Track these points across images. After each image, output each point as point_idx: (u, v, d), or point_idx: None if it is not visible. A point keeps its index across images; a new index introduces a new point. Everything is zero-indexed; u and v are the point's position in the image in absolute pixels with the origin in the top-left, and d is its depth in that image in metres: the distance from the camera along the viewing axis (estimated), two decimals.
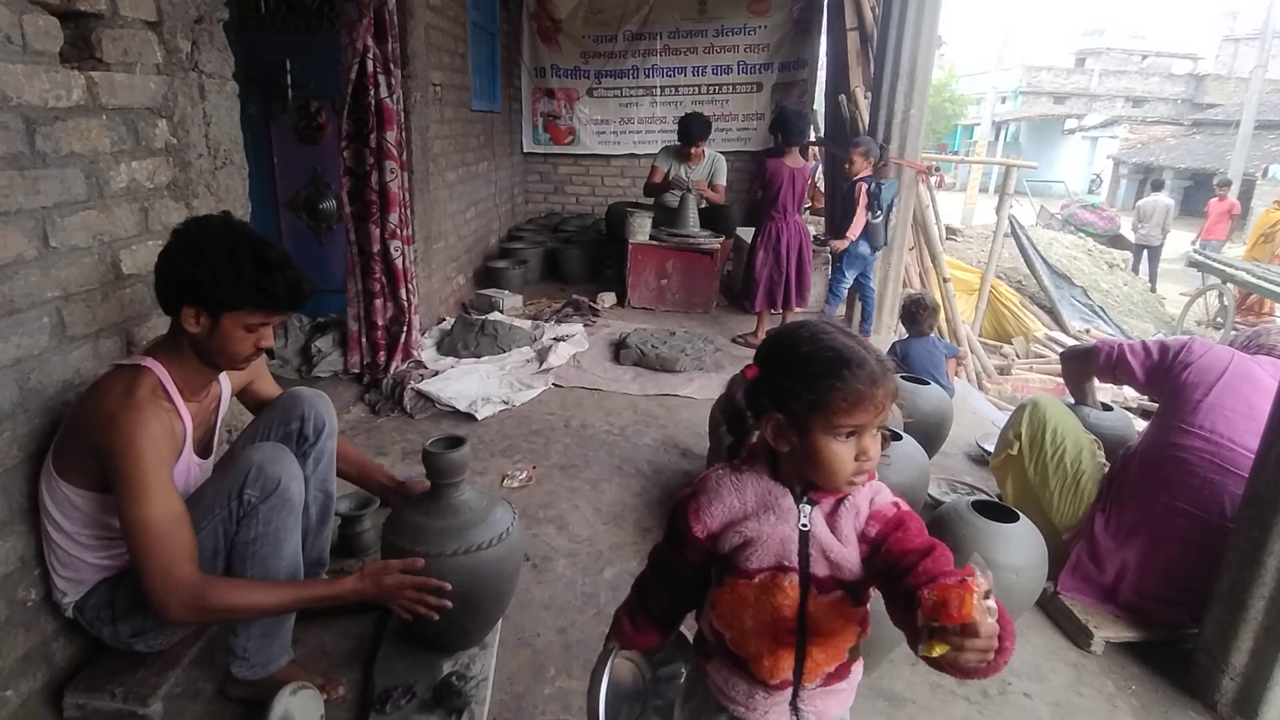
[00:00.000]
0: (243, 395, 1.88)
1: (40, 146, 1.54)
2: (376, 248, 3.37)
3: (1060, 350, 6.54)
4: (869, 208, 4.33)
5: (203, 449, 1.67)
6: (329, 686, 1.66)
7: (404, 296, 3.53)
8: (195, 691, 1.67)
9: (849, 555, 1.05)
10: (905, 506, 1.08)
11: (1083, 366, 2.44)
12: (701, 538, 1.10)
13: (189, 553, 1.42)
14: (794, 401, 1.00)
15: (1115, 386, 4.38)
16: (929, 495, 2.50)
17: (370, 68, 3.13)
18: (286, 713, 1.48)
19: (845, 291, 4.65)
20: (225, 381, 1.73)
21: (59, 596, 1.58)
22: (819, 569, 1.05)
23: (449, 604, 1.58)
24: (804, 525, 1.06)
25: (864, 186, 4.32)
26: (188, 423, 1.55)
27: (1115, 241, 12.84)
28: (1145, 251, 11.52)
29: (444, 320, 4.42)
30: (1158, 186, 11.92)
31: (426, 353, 3.90)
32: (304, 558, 1.68)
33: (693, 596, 1.19)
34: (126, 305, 1.82)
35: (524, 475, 2.75)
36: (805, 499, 1.07)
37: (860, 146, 4.37)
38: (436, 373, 3.62)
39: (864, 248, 4.46)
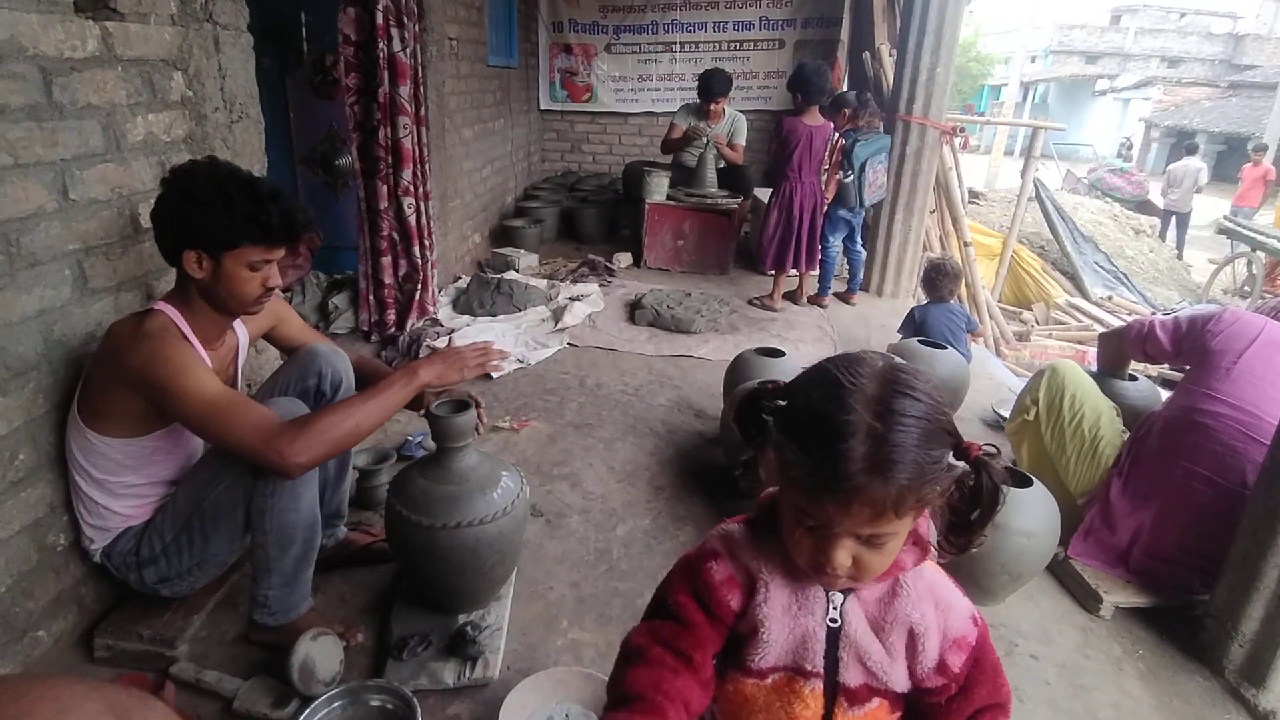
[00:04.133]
0: (273, 339, 1.90)
1: (57, 98, 1.54)
2: (384, 204, 3.36)
3: (1094, 327, 6.46)
4: (839, 166, 4.24)
5: None
6: (348, 634, 1.70)
7: (418, 254, 3.52)
8: (219, 635, 1.73)
9: (894, 670, 0.85)
10: (981, 621, 0.88)
11: (1115, 344, 2.45)
12: (735, 609, 0.87)
13: (263, 409, 1.44)
14: (780, 455, 0.79)
15: (1148, 364, 4.31)
16: None
17: (380, 20, 3.08)
18: (307, 657, 1.53)
19: (833, 258, 4.57)
20: (242, 331, 1.75)
21: (87, 543, 1.62)
22: (851, 677, 0.85)
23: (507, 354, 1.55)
24: (833, 620, 0.85)
25: (838, 143, 4.23)
26: (207, 363, 1.56)
27: (1143, 207, 12.54)
28: (1174, 217, 11.24)
29: (460, 278, 4.42)
30: (1191, 150, 11.58)
31: (442, 311, 3.91)
32: (322, 510, 1.71)
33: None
34: (145, 259, 1.83)
35: (511, 422, 2.84)
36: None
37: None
38: (453, 331, 3.64)
39: (843, 210, 4.39)
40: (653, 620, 0.92)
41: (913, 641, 0.84)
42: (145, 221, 1.81)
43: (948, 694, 0.85)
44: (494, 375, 1.39)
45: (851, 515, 0.75)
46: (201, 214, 1.42)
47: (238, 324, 1.72)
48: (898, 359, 0.85)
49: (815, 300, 4.59)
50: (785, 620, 0.85)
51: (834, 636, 0.84)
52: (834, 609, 0.85)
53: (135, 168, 1.78)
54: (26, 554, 1.54)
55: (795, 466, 0.77)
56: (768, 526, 0.88)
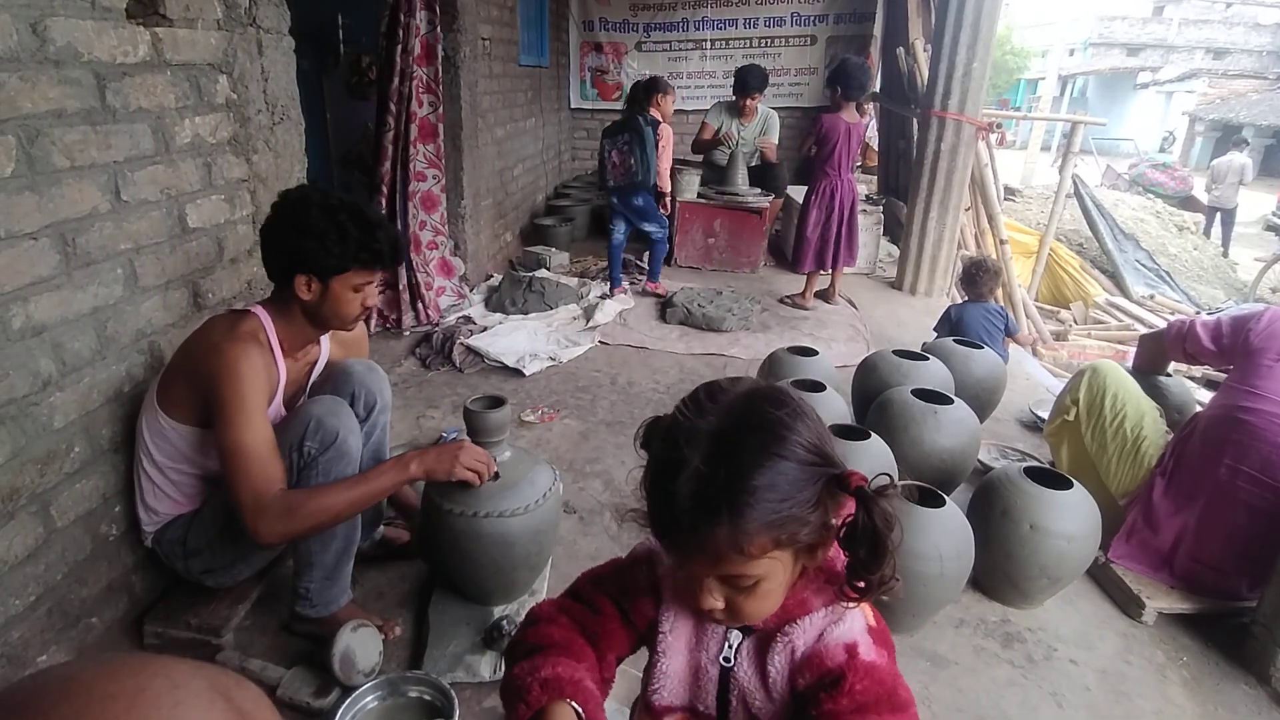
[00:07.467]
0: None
1: (110, 102, 1.58)
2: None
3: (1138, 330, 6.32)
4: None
5: (291, 406, 1.73)
6: (386, 627, 1.73)
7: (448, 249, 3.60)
8: (263, 626, 1.77)
9: (774, 713, 0.78)
10: (865, 655, 0.74)
11: (1155, 345, 2.41)
12: (649, 616, 0.85)
13: (279, 478, 1.49)
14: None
15: (1188, 364, 4.20)
16: (979, 460, 2.47)
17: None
18: (348, 648, 1.56)
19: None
20: (326, 346, 1.80)
21: (141, 523, 1.68)
22: None
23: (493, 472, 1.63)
24: (726, 660, 0.79)
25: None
26: (282, 373, 1.63)
27: (1187, 203, 12.22)
28: (1218, 214, 10.94)
29: (492, 277, 4.47)
30: (1237, 144, 11.25)
31: (475, 309, 3.96)
32: (362, 514, 1.74)
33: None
34: (193, 258, 1.88)
35: (539, 414, 2.88)
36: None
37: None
38: (485, 328, 3.68)
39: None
40: (564, 598, 0.90)
41: (788, 659, 0.77)
42: (192, 222, 1.87)
43: (812, 712, 0.74)
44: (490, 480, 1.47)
45: (693, 560, 0.70)
46: (316, 243, 1.50)
47: (325, 340, 1.78)
48: (773, 385, 0.75)
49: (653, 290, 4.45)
50: (684, 653, 0.81)
51: (726, 677, 0.79)
52: (729, 648, 0.79)
53: (183, 169, 1.83)
54: (81, 543, 1.60)
55: (652, 513, 0.73)
56: None
